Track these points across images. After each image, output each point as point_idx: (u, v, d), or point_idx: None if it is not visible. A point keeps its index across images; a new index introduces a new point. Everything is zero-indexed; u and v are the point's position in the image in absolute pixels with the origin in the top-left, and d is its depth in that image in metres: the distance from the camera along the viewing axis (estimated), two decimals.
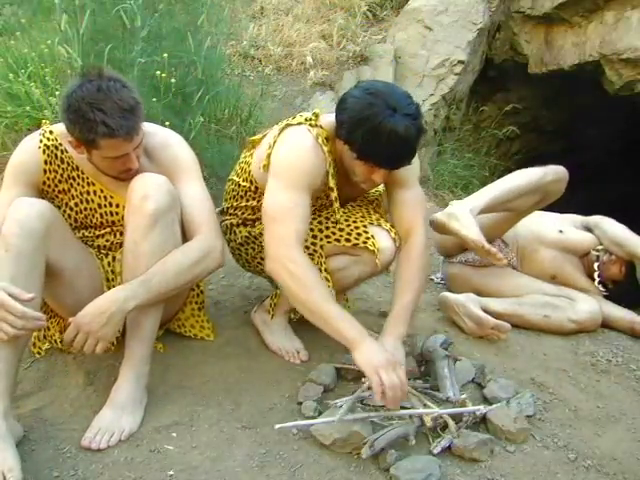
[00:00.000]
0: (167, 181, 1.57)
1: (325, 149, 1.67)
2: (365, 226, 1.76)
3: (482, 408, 1.60)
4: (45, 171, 1.67)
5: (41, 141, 1.68)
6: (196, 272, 1.60)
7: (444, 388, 1.62)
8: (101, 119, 1.46)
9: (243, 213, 1.87)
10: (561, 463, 1.52)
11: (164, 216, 1.53)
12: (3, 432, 1.33)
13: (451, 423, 1.51)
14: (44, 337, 1.77)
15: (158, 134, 1.72)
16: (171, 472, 1.37)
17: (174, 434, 1.49)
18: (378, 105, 1.55)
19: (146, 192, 1.52)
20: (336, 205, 1.74)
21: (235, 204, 1.88)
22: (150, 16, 2.95)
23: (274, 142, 1.70)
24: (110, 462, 1.39)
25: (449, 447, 1.49)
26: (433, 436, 1.53)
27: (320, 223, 1.79)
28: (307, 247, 1.74)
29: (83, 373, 1.68)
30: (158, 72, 2.71)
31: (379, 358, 1.47)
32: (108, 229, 1.73)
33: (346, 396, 1.64)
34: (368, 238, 1.73)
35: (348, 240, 1.75)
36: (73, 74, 2.59)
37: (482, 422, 1.60)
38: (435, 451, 1.48)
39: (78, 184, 1.69)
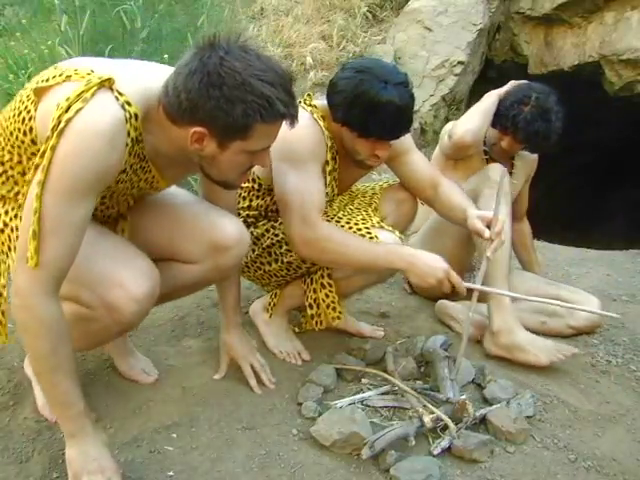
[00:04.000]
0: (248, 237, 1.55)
1: (321, 124, 1.68)
2: (367, 228, 1.72)
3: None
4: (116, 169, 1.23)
5: (129, 134, 1.18)
6: None
7: (444, 389, 1.63)
8: (276, 95, 1.14)
9: (245, 211, 1.84)
10: (561, 464, 1.52)
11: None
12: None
13: (451, 424, 1.51)
14: None
15: None
16: (171, 473, 1.37)
17: (174, 435, 1.49)
18: (369, 80, 1.57)
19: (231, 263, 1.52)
20: (329, 178, 1.72)
21: (238, 206, 1.83)
22: (150, 17, 2.96)
23: None
24: None
25: (449, 448, 1.49)
26: (433, 437, 1.53)
27: None
28: None
29: (83, 373, 1.68)
30: None
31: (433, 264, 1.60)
32: (126, 201, 1.46)
33: (346, 397, 1.65)
34: (372, 238, 1.70)
35: None
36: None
37: (482, 423, 1.61)
38: (435, 452, 1.47)
39: (135, 171, 1.31)
